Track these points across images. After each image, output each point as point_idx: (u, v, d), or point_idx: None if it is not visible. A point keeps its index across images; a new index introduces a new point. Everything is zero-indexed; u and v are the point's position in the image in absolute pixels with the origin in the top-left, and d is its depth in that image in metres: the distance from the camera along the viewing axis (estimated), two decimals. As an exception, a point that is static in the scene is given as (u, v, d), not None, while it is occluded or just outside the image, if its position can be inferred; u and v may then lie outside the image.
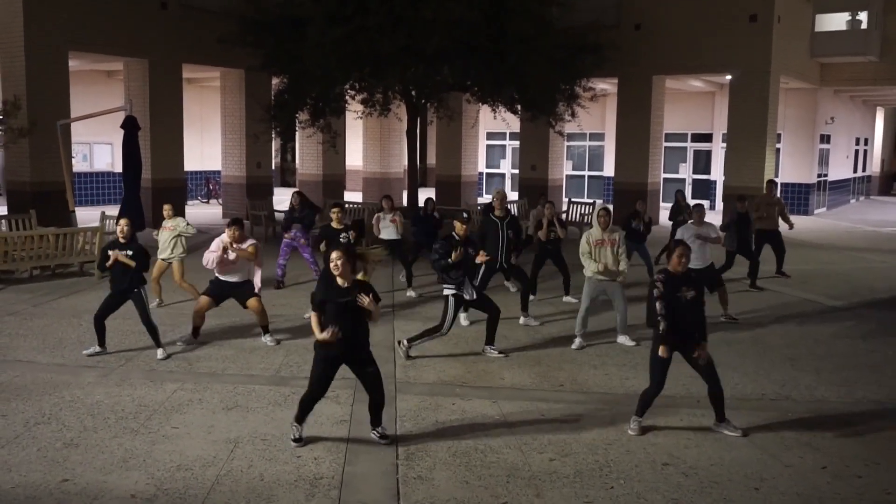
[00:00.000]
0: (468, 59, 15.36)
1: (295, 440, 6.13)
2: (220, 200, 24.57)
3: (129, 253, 8.39)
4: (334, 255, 6.03)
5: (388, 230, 12.24)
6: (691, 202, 14.37)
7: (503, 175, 30.64)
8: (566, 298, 11.54)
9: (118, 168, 19.54)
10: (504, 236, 9.89)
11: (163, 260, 10.75)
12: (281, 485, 5.45)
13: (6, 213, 16.21)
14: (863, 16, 23.03)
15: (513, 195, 23.55)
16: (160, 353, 8.47)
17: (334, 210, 10.72)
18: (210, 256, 8.81)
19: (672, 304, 6.30)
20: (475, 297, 8.63)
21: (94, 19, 17.79)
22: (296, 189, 13.50)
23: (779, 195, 14.45)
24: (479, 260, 8.64)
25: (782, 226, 13.87)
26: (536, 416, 6.83)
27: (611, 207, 13.17)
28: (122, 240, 8.47)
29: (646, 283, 12.43)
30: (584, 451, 6.09)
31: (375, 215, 12.65)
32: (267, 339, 9.11)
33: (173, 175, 20.19)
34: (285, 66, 16.58)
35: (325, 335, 5.92)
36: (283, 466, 5.74)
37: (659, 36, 20.91)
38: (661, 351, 6.33)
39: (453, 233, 8.61)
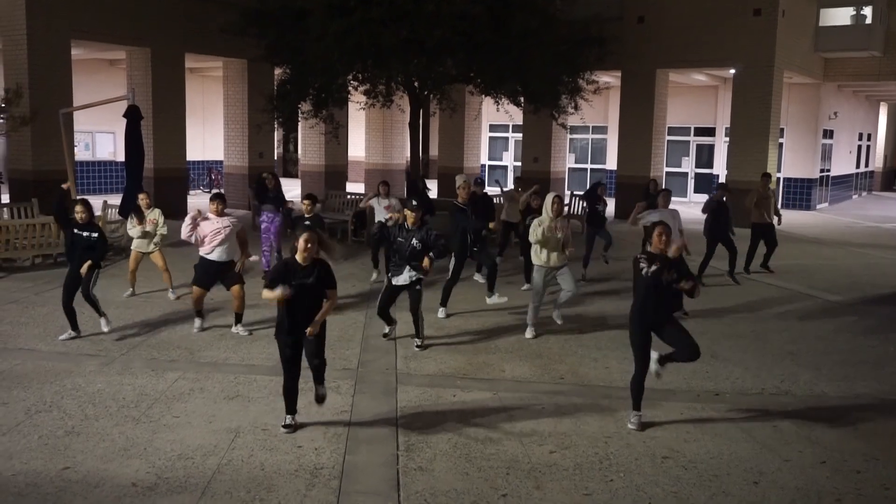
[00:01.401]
0: (471, 52, 15.31)
1: (285, 426, 6.21)
2: (223, 190, 24.57)
3: (94, 236, 8.62)
4: (304, 236, 6.14)
5: (381, 214, 12.34)
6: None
7: (505, 167, 30.60)
8: (525, 287, 11.72)
9: (120, 157, 19.52)
10: (471, 224, 10.17)
11: (140, 252, 10.75)
12: (281, 474, 5.47)
13: (8, 201, 16.22)
14: (867, 11, 22.95)
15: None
16: (103, 322, 8.85)
17: (305, 201, 10.69)
18: (184, 230, 8.94)
19: (653, 282, 6.28)
20: (407, 284, 8.63)
21: (96, 8, 17.76)
22: (266, 173, 13.50)
23: (772, 189, 14.35)
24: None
25: (789, 218, 13.82)
26: (537, 409, 6.85)
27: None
28: (80, 222, 8.65)
29: (614, 279, 12.57)
30: (584, 444, 6.10)
31: (374, 198, 12.72)
32: (239, 329, 9.14)
33: (175, 165, 20.19)
34: (288, 57, 16.54)
35: (277, 292, 5.97)
36: (283, 456, 5.76)
37: (662, 29, 20.87)
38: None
39: (405, 223, 8.61)
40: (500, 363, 8.22)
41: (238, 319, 9.22)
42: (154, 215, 10.73)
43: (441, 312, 10.09)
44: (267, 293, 6.06)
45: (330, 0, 14.68)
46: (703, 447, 6.10)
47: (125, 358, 8.10)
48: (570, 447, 6.04)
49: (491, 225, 11.34)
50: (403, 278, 8.58)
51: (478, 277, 12.24)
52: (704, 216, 12.58)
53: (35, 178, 16.72)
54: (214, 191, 12.00)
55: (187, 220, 8.95)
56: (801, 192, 25.08)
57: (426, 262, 8.36)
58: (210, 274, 9.07)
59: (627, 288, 11.61)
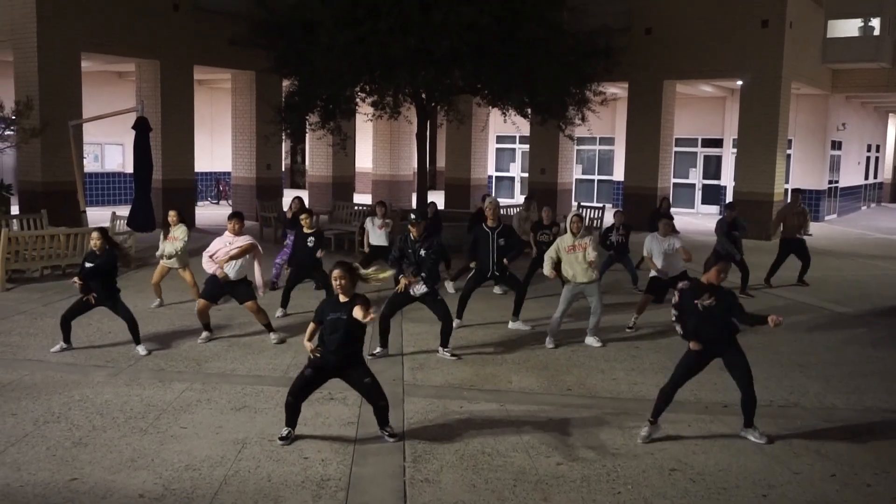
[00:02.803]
0: (478, 63, 15.36)
1: (282, 438, 6.21)
2: (230, 202, 24.65)
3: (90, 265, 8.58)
4: (336, 272, 6.23)
5: (376, 236, 12.30)
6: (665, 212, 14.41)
7: (512, 178, 30.63)
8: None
9: (129, 169, 19.64)
10: (494, 246, 9.99)
11: (167, 267, 10.83)
12: (288, 486, 5.46)
13: (18, 212, 16.31)
14: (875, 22, 22.93)
15: (521, 199, 23.51)
16: (142, 350, 8.67)
17: (303, 217, 10.76)
18: (207, 266, 9.15)
19: (690, 311, 6.38)
20: (426, 294, 8.73)
21: (106, 20, 17.89)
22: (297, 195, 13.63)
23: (803, 205, 14.20)
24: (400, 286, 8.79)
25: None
26: (544, 420, 6.82)
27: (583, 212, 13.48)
28: (96, 251, 8.62)
29: (625, 291, 12.49)
30: (592, 456, 6.08)
31: (368, 219, 12.67)
32: (272, 337, 9.18)
33: (184, 176, 20.28)
34: (296, 69, 16.63)
35: (308, 346, 6.25)
36: (290, 467, 5.75)
37: (670, 40, 20.90)
38: (693, 345, 6.43)
39: (410, 235, 8.78)
40: (508, 374, 8.21)
41: (269, 328, 9.30)
42: (177, 232, 10.79)
43: (454, 323, 10.06)
44: (308, 334, 6.40)
45: (338, 11, 14.76)
46: (712, 459, 6.06)
47: (133, 369, 8.12)
48: (578, 459, 6.02)
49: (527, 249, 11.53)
50: (420, 288, 8.63)
51: (497, 290, 12.14)
52: (716, 235, 12.52)
53: (45, 190, 16.81)
54: (232, 209, 12.01)
55: (208, 265, 9.14)
56: (809, 204, 24.99)
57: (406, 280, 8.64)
58: (218, 288, 9.14)
59: (632, 301, 11.60)
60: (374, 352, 8.67)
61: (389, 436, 6.31)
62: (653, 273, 10.28)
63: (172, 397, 7.22)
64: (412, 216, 8.95)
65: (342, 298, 6.22)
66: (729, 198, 24.78)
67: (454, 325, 9.95)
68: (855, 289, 13.57)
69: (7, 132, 16.34)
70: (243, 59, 18.35)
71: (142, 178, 15.03)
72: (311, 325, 6.40)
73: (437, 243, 8.89)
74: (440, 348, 8.88)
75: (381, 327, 8.77)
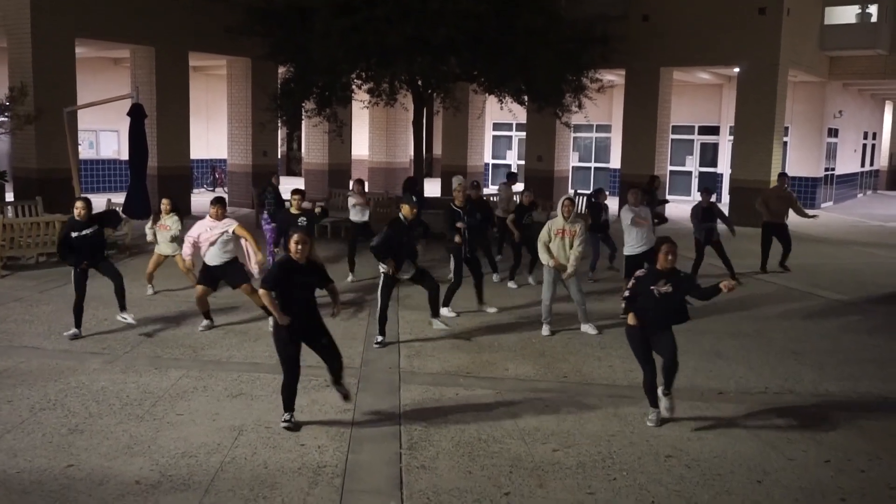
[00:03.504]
0: (475, 50, 15.31)
1: (288, 425, 6.22)
2: (226, 189, 24.59)
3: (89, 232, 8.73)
4: (298, 237, 6.27)
5: (353, 212, 12.42)
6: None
7: (509, 166, 30.58)
8: (530, 279, 12.03)
9: (124, 156, 19.58)
10: (465, 226, 10.17)
11: (162, 255, 10.82)
12: (285, 472, 5.47)
13: (13, 199, 16.25)
14: (873, 9, 22.87)
15: (518, 186, 23.48)
16: (128, 317, 8.94)
17: (294, 196, 10.78)
18: (187, 251, 9.43)
19: (647, 296, 6.36)
20: (412, 274, 8.97)
21: (101, 6, 17.77)
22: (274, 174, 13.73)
23: (789, 189, 14.26)
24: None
25: (797, 218, 13.72)
26: (540, 407, 6.84)
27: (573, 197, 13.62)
28: (79, 219, 8.72)
29: (611, 279, 12.53)
30: (587, 443, 6.09)
31: (349, 198, 12.76)
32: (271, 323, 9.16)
33: (179, 163, 20.20)
34: (292, 56, 16.56)
35: (285, 320, 6.18)
36: (286, 454, 5.76)
37: (667, 28, 20.82)
38: (630, 319, 6.41)
39: (400, 215, 8.87)
40: (504, 362, 8.22)
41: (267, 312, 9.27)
42: (169, 222, 10.77)
43: (447, 311, 10.09)
44: (274, 309, 6.17)
45: (334, -2, 14.70)
46: (707, 446, 6.09)
47: (129, 356, 8.11)
48: (574, 445, 6.04)
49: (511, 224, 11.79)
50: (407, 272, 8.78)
51: (495, 278, 12.17)
52: (691, 222, 12.54)
53: (39, 177, 16.75)
54: (216, 195, 11.99)
55: (188, 247, 9.32)
56: (805, 191, 25.00)
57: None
58: (214, 274, 9.14)
59: (619, 286, 11.59)
60: (378, 339, 8.69)
61: (344, 396, 6.53)
62: (627, 252, 10.33)
63: (169, 384, 7.22)
64: (413, 198, 9.05)
65: (301, 262, 6.27)
66: (725, 185, 24.79)
67: (446, 314, 10.02)
68: (850, 276, 13.60)
69: (1, 119, 16.25)
70: (239, 45, 18.23)
71: (137, 165, 14.96)
72: (269, 296, 6.19)
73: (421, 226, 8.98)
74: (432, 319, 9.10)
75: (381, 318, 8.75)
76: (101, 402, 6.75)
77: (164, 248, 10.79)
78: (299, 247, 6.22)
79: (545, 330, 9.28)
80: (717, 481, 5.49)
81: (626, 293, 6.53)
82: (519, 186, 15.47)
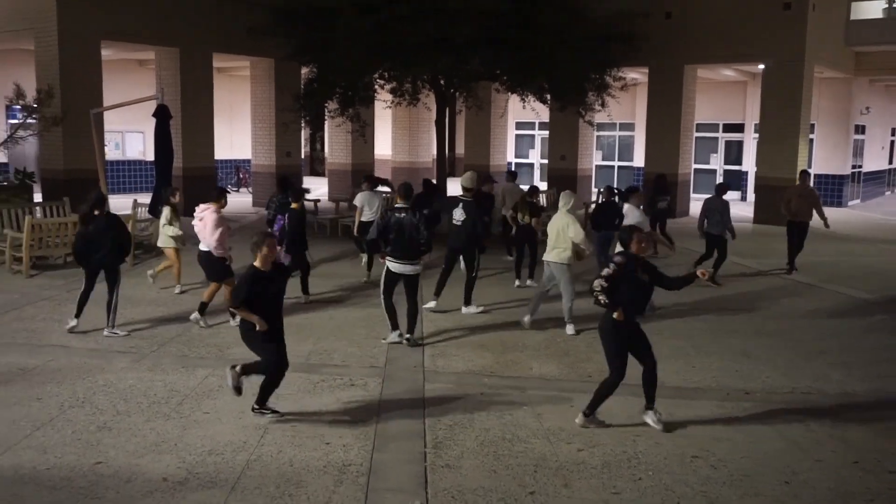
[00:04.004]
0: (498, 49, 15.29)
1: (273, 411, 6.39)
2: (250, 189, 24.74)
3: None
4: (272, 241, 6.38)
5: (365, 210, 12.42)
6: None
7: (532, 165, 30.51)
8: (530, 282, 11.84)
9: (150, 156, 19.72)
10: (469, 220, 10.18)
11: (175, 248, 10.96)
12: (310, 471, 5.50)
13: (41, 200, 16.46)
14: (900, 3, 22.56)
15: (542, 185, 23.43)
16: (106, 331, 8.88)
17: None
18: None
19: (631, 283, 6.24)
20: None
21: (126, 9, 17.95)
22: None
23: (812, 186, 14.04)
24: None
25: (818, 222, 13.49)
26: (564, 407, 6.82)
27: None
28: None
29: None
30: (612, 443, 6.07)
31: (359, 196, 12.73)
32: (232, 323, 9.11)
33: (204, 164, 20.37)
34: (315, 56, 16.63)
35: (265, 326, 6.27)
36: (312, 453, 5.79)
37: (690, 25, 20.67)
38: (618, 314, 6.17)
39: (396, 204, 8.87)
40: (528, 361, 8.20)
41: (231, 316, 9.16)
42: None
43: (466, 309, 10.10)
44: (252, 317, 6.24)
45: (357, -1, 14.74)
46: (734, 446, 6.04)
47: (155, 355, 8.19)
48: (598, 445, 6.02)
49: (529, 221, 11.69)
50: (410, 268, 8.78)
51: (518, 283, 12.04)
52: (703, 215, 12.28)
53: (66, 178, 16.95)
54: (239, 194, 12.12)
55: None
56: (832, 189, 24.72)
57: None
58: (201, 261, 9.52)
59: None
60: (407, 336, 8.66)
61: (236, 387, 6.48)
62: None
63: (195, 383, 7.28)
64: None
65: (267, 267, 6.33)
66: (751, 183, 24.55)
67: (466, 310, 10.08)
68: (877, 275, 13.42)
69: (29, 120, 16.47)
70: (262, 46, 18.34)
71: (162, 165, 15.12)
72: (244, 310, 6.27)
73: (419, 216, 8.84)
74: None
75: (389, 312, 8.74)
76: (129, 400, 6.82)
77: (174, 241, 10.92)
78: (266, 251, 6.26)
79: (570, 329, 9.25)
80: (744, 482, 5.45)
81: (604, 283, 6.15)
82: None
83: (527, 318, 9.45)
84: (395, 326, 8.70)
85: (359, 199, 12.48)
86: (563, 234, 9.19)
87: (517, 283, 11.90)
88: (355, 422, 6.41)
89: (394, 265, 8.64)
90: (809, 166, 22.45)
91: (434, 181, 15.08)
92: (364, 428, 6.28)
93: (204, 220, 9.25)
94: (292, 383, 7.30)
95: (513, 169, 30.11)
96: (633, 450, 5.94)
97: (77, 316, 8.93)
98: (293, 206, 10.66)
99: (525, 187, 13.75)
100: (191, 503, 5.02)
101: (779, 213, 13.82)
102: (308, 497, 5.12)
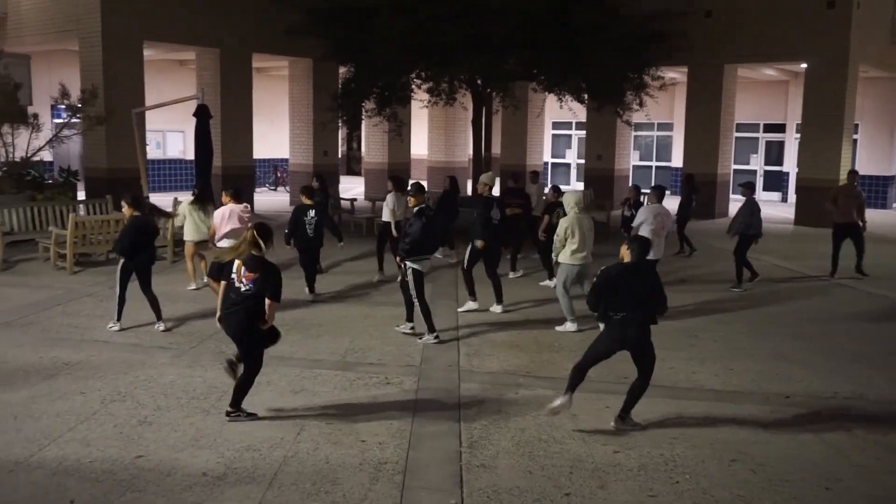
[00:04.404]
0: (535, 49, 15.25)
1: (248, 415, 6.37)
2: (288, 188, 24.96)
3: None
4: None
5: (385, 211, 12.37)
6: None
7: (568, 165, 30.35)
8: (545, 282, 11.85)
9: (190, 155, 20.01)
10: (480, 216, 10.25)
11: (198, 241, 11.13)
12: (346, 468, 5.53)
13: (84, 198, 16.78)
14: (949, 1, 22.04)
15: (578, 185, 23.33)
16: (161, 325, 9.05)
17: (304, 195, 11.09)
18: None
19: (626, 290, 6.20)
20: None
21: (168, 10, 18.24)
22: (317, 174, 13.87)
23: (859, 188, 13.66)
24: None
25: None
26: (600, 408, 6.78)
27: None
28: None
29: (681, 280, 12.30)
30: (649, 445, 6.02)
31: (390, 196, 12.56)
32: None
33: (242, 163, 20.62)
34: (352, 56, 16.73)
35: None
36: (348, 450, 5.83)
37: (731, 23, 20.40)
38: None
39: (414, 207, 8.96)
40: (564, 361, 8.16)
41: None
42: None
43: (496, 308, 10.13)
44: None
45: (394, -1, 14.80)
46: (773, 450, 5.95)
47: (195, 351, 8.31)
48: (635, 447, 5.97)
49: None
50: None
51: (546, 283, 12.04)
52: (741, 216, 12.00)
53: (109, 176, 17.26)
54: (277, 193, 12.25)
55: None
56: (876, 190, 24.24)
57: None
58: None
59: (690, 287, 11.43)
60: (430, 336, 8.72)
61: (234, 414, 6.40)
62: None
63: (233, 379, 7.35)
64: (409, 188, 9.22)
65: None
66: (791, 184, 24.17)
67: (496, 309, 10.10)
68: (923, 278, 13.12)
69: (73, 120, 16.80)
70: (300, 46, 18.51)
71: (202, 164, 15.32)
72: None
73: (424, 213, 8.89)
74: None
75: (425, 314, 8.78)
76: (169, 395, 6.93)
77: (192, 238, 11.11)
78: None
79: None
80: (783, 487, 5.37)
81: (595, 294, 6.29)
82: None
83: (572, 325, 9.38)
84: (431, 328, 8.74)
85: (390, 201, 12.43)
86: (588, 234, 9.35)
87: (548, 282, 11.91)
88: (391, 420, 6.43)
89: (419, 264, 8.70)
90: (853, 167, 22.01)
91: (456, 178, 15.06)
92: (400, 426, 6.31)
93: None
94: (329, 381, 7.36)
95: (548, 169, 30.10)
96: (669, 452, 5.89)
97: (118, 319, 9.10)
98: (305, 201, 10.86)
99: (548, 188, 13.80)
100: (229, 498, 5.08)
101: (821, 215, 13.56)
102: (344, 494, 5.15)
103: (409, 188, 9.13)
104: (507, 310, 10.18)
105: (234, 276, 6.25)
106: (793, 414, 6.74)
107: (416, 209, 8.92)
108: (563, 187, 13.53)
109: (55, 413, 6.45)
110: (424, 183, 13.35)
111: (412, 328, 8.99)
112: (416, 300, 8.72)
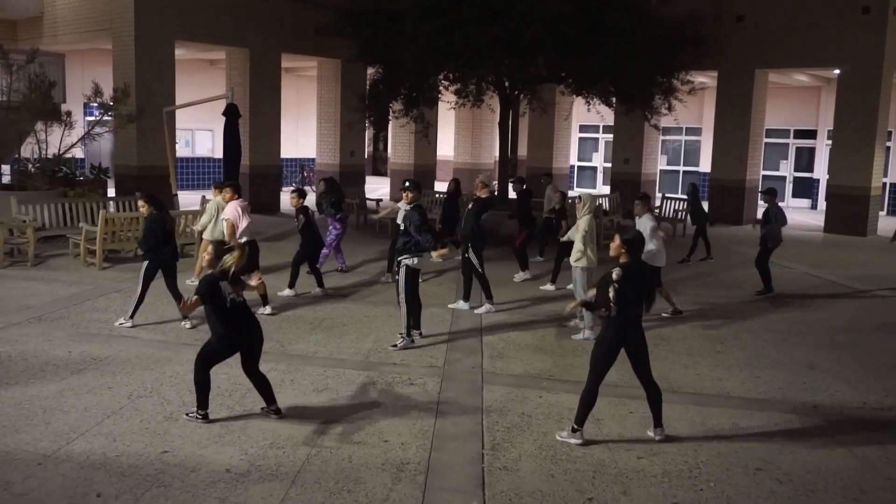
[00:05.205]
0: (563, 51, 15.21)
1: (203, 417, 6.32)
2: (314, 188, 25.10)
3: None
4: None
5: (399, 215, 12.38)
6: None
7: (595, 168, 30.23)
8: (546, 287, 11.76)
9: (218, 154, 20.17)
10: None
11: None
12: (368, 468, 5.55)
13: (114, 194, 16.98)
14: None
15: (604, 189, 23.23)
16: (186, 323, 9.15)
17: (293, 196, 11.09)
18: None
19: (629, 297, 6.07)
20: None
21: (199, 10, 18.41)
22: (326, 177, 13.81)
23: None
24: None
25: (884, 231, 12.92)
26: (624, 413, 6.74)
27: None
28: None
29: (710, 283, 12.16)
30: (673, 452, 5.97)
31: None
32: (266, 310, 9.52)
33: (270, 162, 20.76)
34: (380, 57, 16.80)
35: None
36: (370, 450, 5.84)
37: (762, 28, 20.19)
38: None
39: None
40: (586, 366, 8.09)
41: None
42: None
43: (483, 308, 10.20)
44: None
45: (423, 1, 14.83)
46: (800, 460, 5.88)
47: (220, 348, 8.36)
48: (659, 454, 5.93)
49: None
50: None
51: (548, 287, 11.90)
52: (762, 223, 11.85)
53: (139, 174, 17.45)
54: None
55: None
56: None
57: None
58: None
59: (717, 294, 11.31)
60: (403, 338, 8.63)
61: (274, 412, 6.42)
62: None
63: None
64: (406, 183, 9.11)
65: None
66: (822, 191, 23.87)
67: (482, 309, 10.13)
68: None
69: (105, 118, 17.01)
70: (329, 47, 18.61)
71: (231, 163, 15.44)
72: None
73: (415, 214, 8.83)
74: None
75: (414, 313, 8.75)
76: (195, 391, 6.97)
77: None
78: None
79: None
80: (809, 498, 5.30)
81: (613, 297, 5.97)
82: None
83: (591, 333, 9.29)
84: (408, 332, 8.65)
85: (404, 204, 12.39)
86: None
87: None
88: (414, 420, 6.44)
89: (412, 261, 8.65)
90: (885, 175, 21.72)
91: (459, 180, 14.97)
92: (422, 427, 6.31)
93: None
94: (352, 381, 7.39)
95: (574, 172, 30.01)
96: (694, 460, 5.84)
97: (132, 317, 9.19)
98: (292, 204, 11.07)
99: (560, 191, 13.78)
100: (253, 494, 5.11)
101: (853, 223, 13.34)
102: (366, 493, 5.17)
103: (404, 184, 9.10)
104: (521, 311, 10.14)
105: (225, 294, 6.19)
106: (821, 424, 6.66)
107: (411, 206, 8.86)
108: (575, 192, 13.49)
109: (83, 407, 6.53)
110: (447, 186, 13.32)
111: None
112: (401, 298, 8.59)
